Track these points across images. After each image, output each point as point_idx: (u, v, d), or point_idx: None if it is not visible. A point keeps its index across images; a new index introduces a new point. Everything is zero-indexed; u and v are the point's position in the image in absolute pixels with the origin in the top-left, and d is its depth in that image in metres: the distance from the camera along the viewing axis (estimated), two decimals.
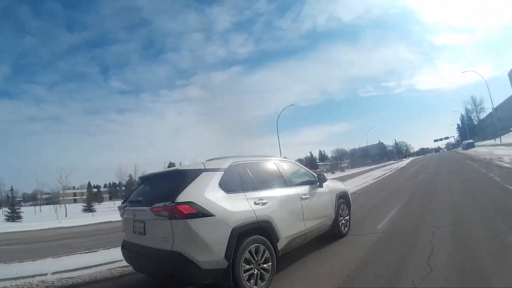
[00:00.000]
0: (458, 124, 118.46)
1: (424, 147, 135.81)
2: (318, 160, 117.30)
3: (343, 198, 5.77)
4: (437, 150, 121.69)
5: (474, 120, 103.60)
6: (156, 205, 3.12)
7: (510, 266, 3.33)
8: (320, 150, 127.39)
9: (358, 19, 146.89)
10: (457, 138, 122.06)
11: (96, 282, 4.49)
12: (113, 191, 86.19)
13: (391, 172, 28.28)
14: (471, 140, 57.36)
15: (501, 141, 41.12)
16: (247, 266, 3.25)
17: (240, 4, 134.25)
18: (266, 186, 4.07)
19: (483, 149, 37.42)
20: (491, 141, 55.63)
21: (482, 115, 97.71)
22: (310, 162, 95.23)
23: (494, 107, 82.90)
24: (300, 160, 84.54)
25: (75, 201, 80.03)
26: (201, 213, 3.01)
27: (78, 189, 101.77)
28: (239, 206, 3.39)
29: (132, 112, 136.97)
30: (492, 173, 13.05)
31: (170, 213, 2.98)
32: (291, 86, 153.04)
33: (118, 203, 36.64)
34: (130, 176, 59.38)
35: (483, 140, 79.88)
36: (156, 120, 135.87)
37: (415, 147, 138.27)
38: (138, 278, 4.35)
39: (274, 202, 3.86)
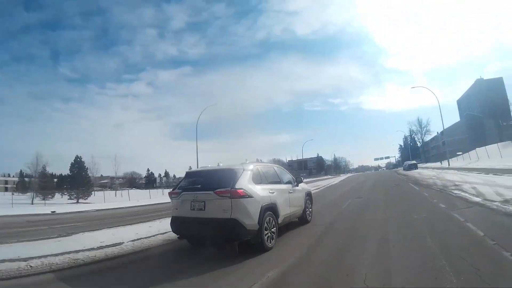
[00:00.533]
0: (400, 145, 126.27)
1: (364, 164, 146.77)
2: None
3: (308, 196, 9.19)
4: (377, 168, 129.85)
5: (418, 142, 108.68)
6: (218, 190, 5.57)
7: None
8: (257, 159, 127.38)
9: (313, 34, 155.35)
10: (398, 159, 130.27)
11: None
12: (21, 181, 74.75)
13: (317, 190, 22.75)
14: (414, 161, 57.86)
15: (449, 164, 38.75)
16: (266, 231, 5.84)
17: (198, 5, 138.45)
18: (272, 181, 6.98)
19: (428, 171, 35.85)
20: (437, 164, 56.34)
21: (427, 138, 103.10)
22: None
23: (440, 131, 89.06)
24: None
25: (6, 189, 79.47)
26: (247, 195, 5.67)
27: (13, 176, 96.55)
28: (262, 193, 6.12)
29: (76, 102, 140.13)
30: (460, 213, 8.47)
31: (231, 195, 5.47)
32: (238, 93, 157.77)
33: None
34: (44, 167, 55.42)
35: (426, 162, 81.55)
36: (99, 113, 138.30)
37: (355, 164, 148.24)
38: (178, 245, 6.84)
39: (277, 192, 6.72)
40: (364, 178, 39.86)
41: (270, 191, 6.48)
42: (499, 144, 38.32)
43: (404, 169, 54.64)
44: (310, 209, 9.10)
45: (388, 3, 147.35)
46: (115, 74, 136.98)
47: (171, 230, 6.58)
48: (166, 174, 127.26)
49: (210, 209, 5.64)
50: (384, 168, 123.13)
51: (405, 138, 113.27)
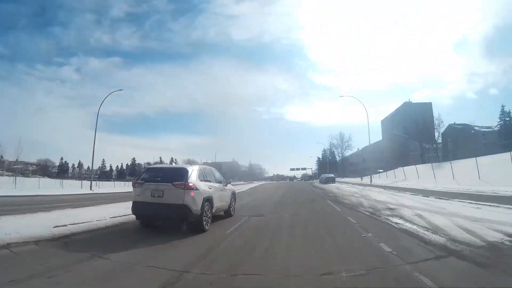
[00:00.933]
0: (318, 157, 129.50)
1: (279, 173, 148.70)
2: None
3: (233, 195, 11.46)
4: (292, 179, 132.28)
5: (337, 156, 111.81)
6: (175, 182, 7.64)
7: None
8: (172, 158, 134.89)
9: (248, 41, 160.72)
10: (315, 171, 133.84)
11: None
12: None
13: None
14: (331, 175, 57.07)
15: (371, 181, 37.28)
16: (204, 217, 7.97)
17: None
18: (210, 180, 9.17)
19: (347, 187, 34.23)
20: (356, 179, 57.36)
21: (347, 153, 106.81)
22: None
23: (361, 147, 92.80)
24: (148, 163, 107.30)
25: None
26: (195, 188, 7.81)
27: None
28: (204, 187, 8.29)
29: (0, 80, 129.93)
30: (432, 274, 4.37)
31: (184, 187, 7.57)
32: (164, 90, 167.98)
33: None
34: None
35: (344, 177, 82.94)
36: (22, 94, 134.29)
37: (270, 172, 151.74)
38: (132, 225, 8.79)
39: (213, 189, 8.96)
40: (276, 188, 37.68)
41: (209, 187, 8.84)
42: (432, 164, 37.75)
43: (320, 182, 53.98)
44: (234, 206, 11.41)
45: (327, 21, 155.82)
46: (46, 56, 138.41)
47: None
48: (80, 164, 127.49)
49: (167, 196, 7.74)
50: (300, 179, 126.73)
51: (324, 151, 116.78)
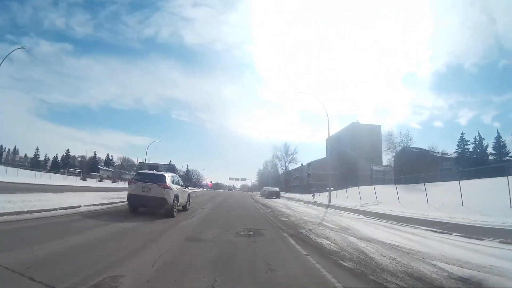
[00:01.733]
0: (259, 169, 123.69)
1: (219, 182, 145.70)
2: (103, 164, 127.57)
3: (189, 196, 15.58)
4: (231, 188, 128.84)
5: (280, 169, 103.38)
6: (159, 183, 11.56)
7: None
8: (108, 154, 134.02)
9: (200, 46, 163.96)
10: (255, 183, 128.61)
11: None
12: None
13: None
14: (276, 188, 48.79)
15: (330, 201, 29.60)
16: (174, 208, 11.99)
17: None
18: (177, 183, 13.42)
19: (300, 206, 26.16)
20: (305, 196, 50.46)
21: (292, 166, 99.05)
22: (90, 165, 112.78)
23: (305, 163, 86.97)
24: (82, 157, 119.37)
25: None
26: (170, 188, 11.82)
27: None
28: (174, 188, 12.36)
29: None
30: None
31: (164, 186, 11.56)
32: (109, 84, 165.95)
33: None
34: None
35: (286, 191, 76.10)
36: None
37: (208, 179, 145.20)
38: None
39: (179, 189, 13.07)
40: (209, 197, 31.20)
41: (177, 188, 12.78)
42: (399, 186, 31.04)
43: (262, 196, 46.56)
44: (189, 203, 15.51)
45: (279, 39, 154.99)
46: None
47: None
48: (15, 150, 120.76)
49: (153, 192, 11.33)
50: (239, 190, 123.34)
51: (265, 163, 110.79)
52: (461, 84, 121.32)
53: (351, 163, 72.51)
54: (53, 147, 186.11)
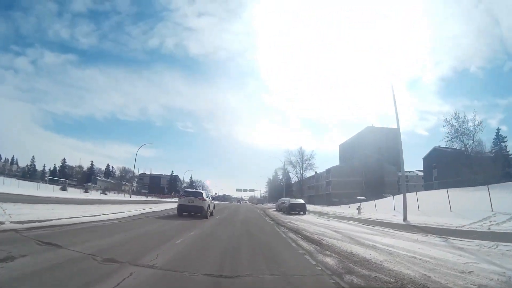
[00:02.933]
0: (269, 178, 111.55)
1: (226, 193, 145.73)
2: (102, 175, 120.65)
3: (214, 205, 23.58)
4: (239, 200, 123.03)
5: (295, 177, 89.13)
6: (198, 197, 18.91)
7: None
8: (108, 165, 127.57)
9: (204, 57, 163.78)
10: (264, 194, 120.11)
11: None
12: None
13: None
14: (301, 200, 36.03)
15: (406, 218, 18.47)
16: (207, 212, 19.19)
17: None
18: (209, 197, 21.62)
19: (349, 226, 17.15)
20: (333, 209, 39.44)
21: (308, 173, 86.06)
22: (87, 175, 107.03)
23: (327, 169, 76.79)
24: (80, 167, 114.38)
25: None
26: (206, 200, 19.23)
27: None
28: (207, 200, 19.70)
29: None
30: None
31: (202, 199, 18.81)
32: (114, 95, 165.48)
33: None
34: None
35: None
36: None
37: (214, 191, 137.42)
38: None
39: (209, 201, 20.33)
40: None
41: (208, 200, 19.68)
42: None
43: (279, 210, 36.38)
44: (214, 210, 22.54)
45: (284, 46, 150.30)
46: (3, 42, 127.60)
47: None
48: (13, 160, 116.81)
49: (195, 202, 17.87)
50: (247, 202, 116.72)
51: (276, 171, 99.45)
52: (467, 89, 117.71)
53: (374, 169, 63.44)
54: (57, 158, 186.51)
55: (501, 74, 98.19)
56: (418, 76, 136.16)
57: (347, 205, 39.24)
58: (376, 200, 34.25)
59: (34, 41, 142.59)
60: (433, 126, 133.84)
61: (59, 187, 55.86)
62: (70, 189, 56.19)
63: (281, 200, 40.43)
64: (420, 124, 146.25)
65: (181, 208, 18.69)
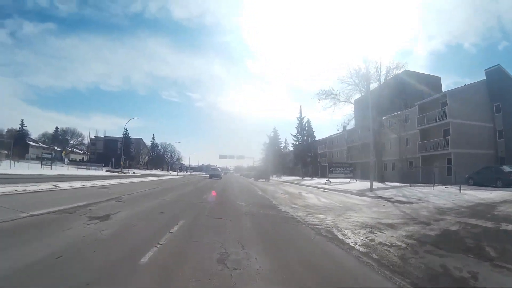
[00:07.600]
0: (266, 142, 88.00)
1: (210, 163, 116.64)
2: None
3: (222, 174, 61.80)
4: (215, 173, 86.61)
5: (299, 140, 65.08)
6: (220, 172, 54.77)
7: None
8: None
9: (189, 21, 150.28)
10: (257, 162, 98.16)
11: None
12: None
13: None
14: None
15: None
16: (222, 176, 53.13)
17: None
18: (222, 171, 72.46)
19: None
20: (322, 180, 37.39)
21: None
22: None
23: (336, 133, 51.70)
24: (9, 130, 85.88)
25: None
26: (220, 171, 56.62)
27: None
28: (220, 172, 60.00)
29: None
30: None
31: (219, 171, 54.50)
32: (96, 65, 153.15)
33: None
34: None
35: (284, 174, 69.96)
36: None
37: (189, 160, 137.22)
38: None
39: (221, 171, 65.84)
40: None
41: (221, 171, 59.69)
42: None
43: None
44: (222, 175, 56.33)
45: (270, 10, 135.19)
46: None
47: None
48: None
49: (216, 172, 48.17)
50: (233, 172, 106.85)
51: (274, 129, 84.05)
52: (459, 65, 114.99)
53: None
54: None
55: (495, 52, 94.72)
56: (408, 48, 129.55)
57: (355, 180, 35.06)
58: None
59: (12, 12, 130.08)
60: None
61: None
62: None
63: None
64: None
65: (211, 174, 46.93)
